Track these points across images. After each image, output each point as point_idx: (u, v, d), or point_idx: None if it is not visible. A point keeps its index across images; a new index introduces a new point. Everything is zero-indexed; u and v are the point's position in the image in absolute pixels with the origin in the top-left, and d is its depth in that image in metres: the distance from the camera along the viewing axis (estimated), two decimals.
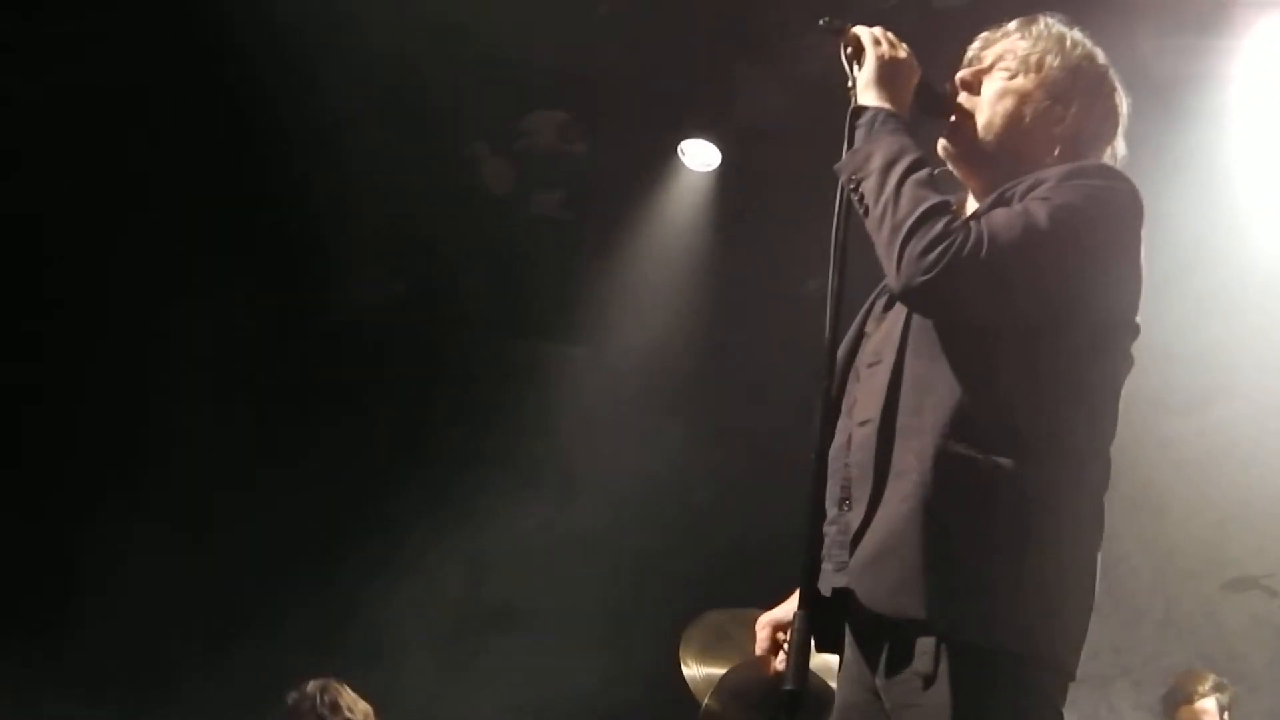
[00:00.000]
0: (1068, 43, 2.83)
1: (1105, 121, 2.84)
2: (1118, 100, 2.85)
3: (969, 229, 2.43)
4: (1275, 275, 6.26)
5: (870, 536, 2.45)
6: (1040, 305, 2.50)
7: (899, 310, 2.61)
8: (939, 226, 2.42)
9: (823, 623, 2.42)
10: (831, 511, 2.59)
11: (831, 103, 2.82)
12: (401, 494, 6.96)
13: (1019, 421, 2.46)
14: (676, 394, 7.34)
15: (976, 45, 2.90)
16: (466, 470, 7.05)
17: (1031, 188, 2.56)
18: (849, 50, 2.71)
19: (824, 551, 2.54)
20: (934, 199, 2.48)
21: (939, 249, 2.40)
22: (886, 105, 2.63)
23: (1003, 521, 2.40)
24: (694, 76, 6.54)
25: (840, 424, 2.66)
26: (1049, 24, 2.86)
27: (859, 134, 2.60)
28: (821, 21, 2.76)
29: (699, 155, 7.01)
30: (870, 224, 2.52)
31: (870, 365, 2.63)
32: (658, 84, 6.54)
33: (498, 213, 7.20)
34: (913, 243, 2.42)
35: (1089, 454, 2.56)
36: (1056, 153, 2.74)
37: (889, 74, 2.66)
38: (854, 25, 2.73)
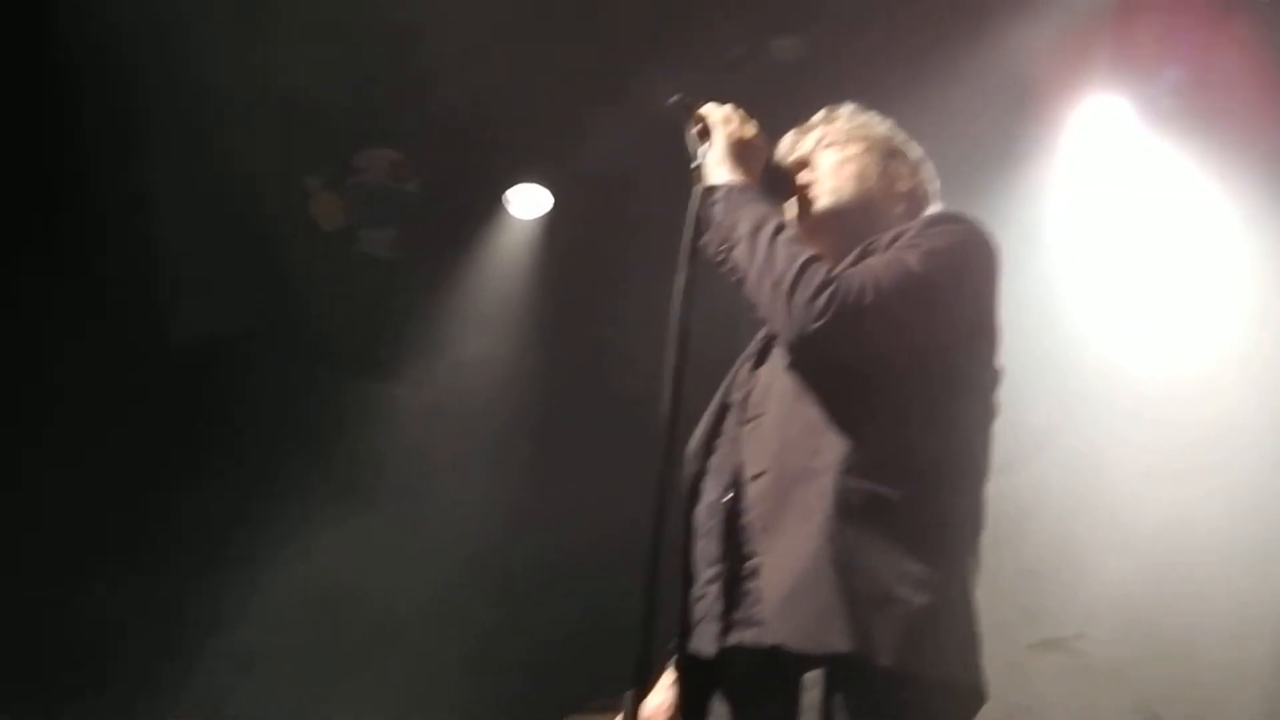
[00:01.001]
0: (875, 118, 3.04)
1: (929, 177, 3.04)
2: (929, 169, 3.05)
3: (850, 276, 2.51)
4: (1089, 337, 6.47)
5: (779, 582, 2.43)
6: (921, 342, 2.56)
7: (773, 365, 2.67)
8: (821, 275, 2.49)
9: (698, 688, 2.50)
10: (709, 570, 2.60)
11: (662, 153, 2.85)
12: (233, 527, 6.75)
13: (909, 454, 2.51)
14: (499, 440, 7.25)
15: (789, 139, 3.04)
16: (294, 505, 6.87)
17: (895, 238, 2.66)
18: (697, 127, 2.80)
19: (703, 612, 2.57)
20: (809, 251, 2.55)
21: (826, 295, 2.46)
22: (739, 180, 2.70)
23: (910, 550, 2.42)
24: (530, 120, 6.52)
25: (708, 484, 2.69)
26: (852, 108, 3.05)
27: (717, 209, 2.66)
28: (671, 99, 2.84)
29: (528, 201, 7.01)
30: (748, 286, 2.58)
31: (751, 420, 2.65)
32: (491, 127, 6.50)
33: (327, 249, 7.07)
34: (799, 292, 2.48)
35: (970, 487, 2.63)
36: (900, 211, 2.90)
37: (739, 152, 2.76)
38: (704, 103, 2.83)
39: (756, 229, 2.59)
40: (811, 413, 2.53)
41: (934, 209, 2.97)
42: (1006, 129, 6.18)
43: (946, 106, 5.45)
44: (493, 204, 7.09)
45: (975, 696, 2.49)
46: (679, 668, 2.62)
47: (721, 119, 2.79)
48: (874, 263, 2.58)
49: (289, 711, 6.47)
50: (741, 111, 2.82)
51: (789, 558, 2.42)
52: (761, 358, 2.76)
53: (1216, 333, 6.21)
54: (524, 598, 7.09)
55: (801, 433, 2.52)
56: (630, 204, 6.64)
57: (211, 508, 6.75)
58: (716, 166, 2.73)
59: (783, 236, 2.57)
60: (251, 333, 7.15)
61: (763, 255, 2.55)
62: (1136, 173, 6.28)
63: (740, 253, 2.59)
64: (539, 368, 7.28)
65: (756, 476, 2.54)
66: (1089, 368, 6.60)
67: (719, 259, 2.62)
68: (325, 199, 7.04)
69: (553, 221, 7.09)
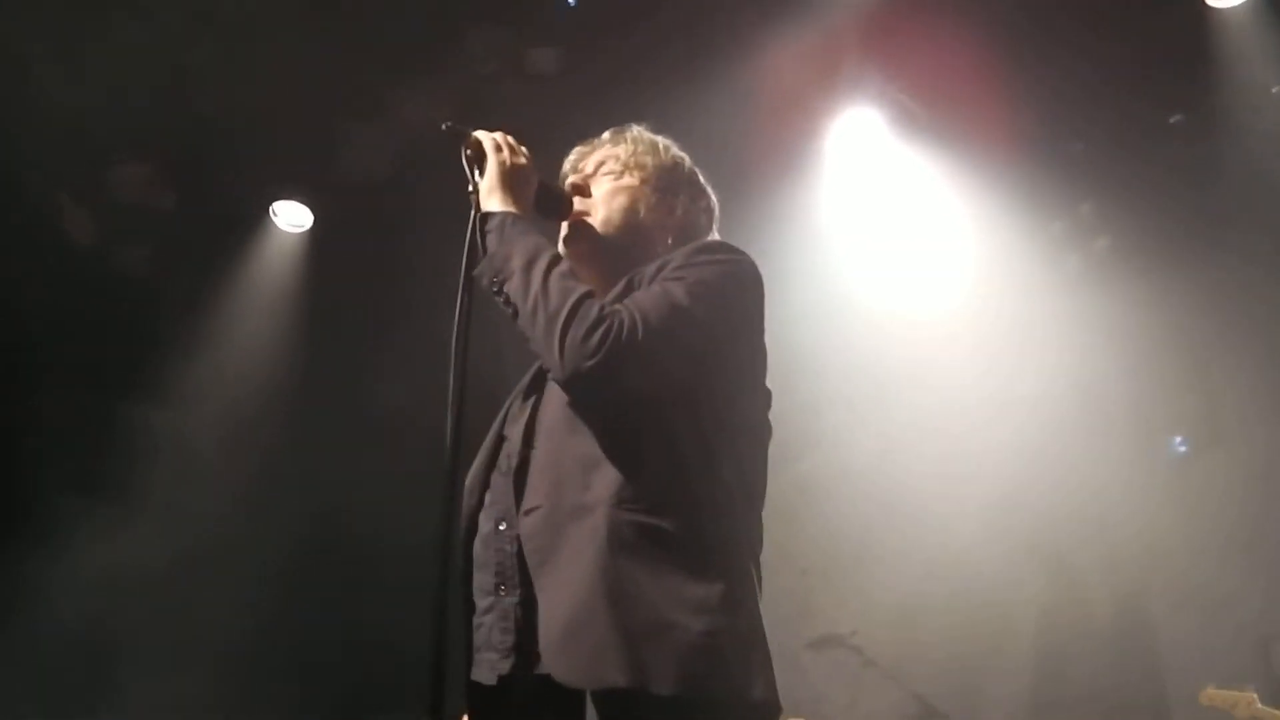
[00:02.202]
0: (660, 146, 3.05)
1: (706, 214, 3.05)
2: (711, 197, 3.07)
3: (621, 312, 2.50)
4: (856, 336, 6.69)
5: (557, 616, 2.42)
6: (692, 374, 2.58)
7: (545, 398, 2.65)
8: (594, 312, 2.49)
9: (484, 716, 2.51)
10: (485, 600, 2.60)
11: (427, 164, 2.85)
12: None
13: (682, 484, 2.52)
14: (265, 458, 7.11)
15: (573, 156, 3.07)
16: (56, 525, 6.60)
17: (660, 269, 2.67)
18: (469, 153, 2.79)
19: (481, 641, 2.57)
20: (582, 288, 2.55)
21: (599, 332, 2.46)
22: (512, 209, 2.70)
23: (688, 576, 2.43)
24: (290, 133, 6.40)
25: (484, 516, 2.67)
26: (639, 131, 3.06)
27: (490, 239, 2.66)
28: (444, 126, 2.81)
29: (290, 216, 6.89)
30: (522, 320, 2.57)
31: (524, 455, 2.62)
32: (252, 140, 6.36)
33: (79, 267, 6.80)
34: (573, 330, 2.48)
35: (746, 508, 2.64)
36: (670, 242, 2.92)
37: (511, 180, 2.75)
38: (476, 130, 2.82)
39: (530, 262, 2.59)
40: (583, 447, 2.53)
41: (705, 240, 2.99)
42: (772, 138, 6.37)
43: (706, 115, 5.58)
44: (258, 217, 6.92)
45: (769, 710, 2.50)
46: (466, 696, 2.61)
47: (492, 147, 2.78)
48: (642, 297, 2.59)
49: None
50: (511, 138, 2.82)
51: (564, 592, 2.42)
52: (533, 389, 2.75)
53: (964, 324, 6.54)
54: (299, 618, 6.95)
55: (573, 467, 2.52)
56: (394, 216, 6.58)
57: None
58: (488, 196, 2.73)
59: (556, 270, 2.57)
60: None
61: (536, 289, 2.55)
62: (886, 175, 6.67)
63: (514, 286, 2.58)
64: (305, 383, 7.15)
65: (530, 511, 2.53)
66: (859, 368, 6.82)
67: (493, 290, 2.61)
68: (77, 215, 6.77)
69: (317, 235, 6.97)
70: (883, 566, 6.67)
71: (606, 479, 2.48)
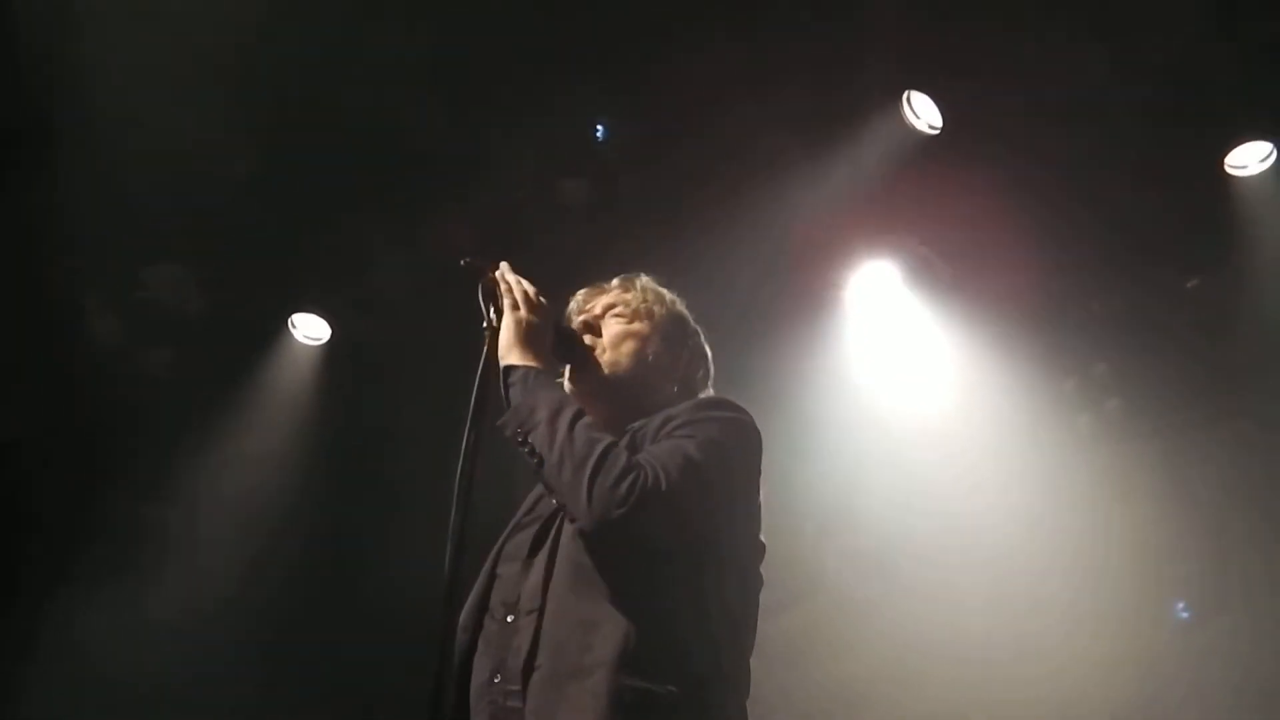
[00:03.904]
0: (666, 297, 3.15)
1: (704, 362, 3.16)
2: (709, 354, 3.18)
3: (645, 463, 2.55)
4: (860, 479, 6.70)
5: None
6: (705, 528, 2.63)
7: (548, 555, 2.67)
8: (621, 462, 2.53)
9: None
10: None
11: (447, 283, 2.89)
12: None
13: (682, 648, 2.54)
14: (275, 565, 7.11)
15: (580, 297, 3.15)
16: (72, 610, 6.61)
17: (664, 423, 2.73)
18: (487, 288, 2.83)
19: None
20: (607, 439, 2.59)
21: (627, 481, 2.50)
22: (533, 363, 2.74)
23: None
24: (316, 246, 6.49)
25: (479, 663, 2.68)
26: (647, 280, 3.17)
27: (514, 391, 2.70)
28: (463, 262, 2.87)
29: (309, 328, 6.96)
30: (548, 469, 2.60)
31: (528, 613, 2.63)
32: (278, 249, 6.45)
33: (104, 366, 6.86)
34: (600, 478, 2.51)
35: (737, 668, 2.67)
36: (674, 390, 3.01)
37: (530, 335, 2.79)
38: (498, 267, 2.87)
39: (555, 414, 2.63)
40: (585, 608, 2.55)
41: (704, 394, 3.09)
42: (792, 287, 6.49)
43: (727, 259, 5.68)
44: (277, 327, 7.00)
45: None
46: None
47: (510, 304, 2.81)
48: (658, 451, 2.63)
49: None
50: (530, 288, 2.85)
51: None
52: (536, 546, 2.75)
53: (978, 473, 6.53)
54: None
55: (575, 629, 2.53)
56: (410, 336, 6.64)
57: None
58: (509, 350, 2.76)
59: (581, 422, 2.62)
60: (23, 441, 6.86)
61: (562, 439, 2.58)
62: (904, 326, 6.70)
63: (539, 437, 2.62)
64: (317, 495, 7.17)
65: (530, 669, 2.54)
66: (866, 510, 6.82)
67: (517, 439, 2.65)
68: (104, 315, 6.84)
69: (333, 348, 7.04)
70: (885, 713, 6.61)
71: (606, 641, 2.49)
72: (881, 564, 6.93)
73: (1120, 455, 6.48)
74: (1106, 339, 6.63)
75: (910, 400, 6.73)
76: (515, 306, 2.81)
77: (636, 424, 2.79)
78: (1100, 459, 6.56)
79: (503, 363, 2.74)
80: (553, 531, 2.70)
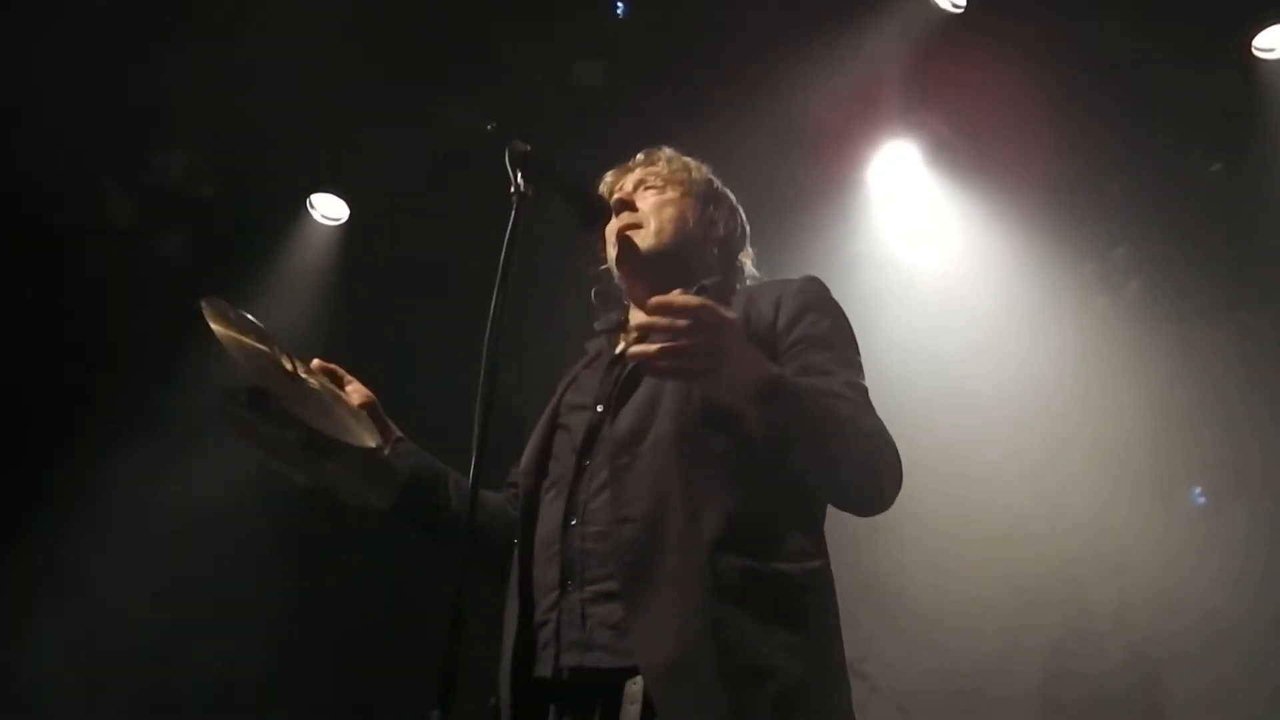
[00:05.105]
0: (693, 164, 3.15)
1: (741, 228, 3.17)
2: (742, 212, 3.19)
3: (883, 433, 2.61)
4: (884, 362, 6.68)
5: (658, 646, 2.40)
6: None
7: (645, 405, 2.64)
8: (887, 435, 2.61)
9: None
10: (550, 596, 2.58)
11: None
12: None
13: (787, 529, 2.55)
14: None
15: (610, 179, 3.15)
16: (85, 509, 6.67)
17: (801, 312, 2.76)
18: (514, 153, 2.58)
19: (549, 637, 2.55)
20: (875, 419, 2.64)
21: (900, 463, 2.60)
22: (773, 370, 2.52)
23: (785, 621, 2.44)
24: (331, 131, 6.44)
25: (548, 508, 2.67)
26: (670, 152, 3.16)
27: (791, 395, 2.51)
28: (489, 126, 2.87)
29: (328, 208, 6.94)
30: (824, 433, 2.51)
31: (621, 463, 2.59)
32: (292, 136, 6.40)
33: (117, 249, 6.86)
34: (895, 469, 2.58)
35: (825, 547, 2.66)
36: (715, 253, 3.05)
37: (742, 355, 2.44)
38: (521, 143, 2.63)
39: (825, 411, 2.54)
40: (695, 476, 2.53)
41: (747, 256, 3.14)
42: (810, 169, 6.43)
43: (744, 143, 5.62)
44: (294, 210, 6.98)
45: None
46: (511, 690, 2.57)
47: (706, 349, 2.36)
48: (858, 398, 2.61)
49: None
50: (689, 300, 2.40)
51: (667, 628, 2.41)
52: (624, 396, 2.70)
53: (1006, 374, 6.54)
54: (324, 581, 7.05)
55: (682, 493, 2.50)
56: (429, 215, 6.62)
57: None
58: (745, 379, 2.44)
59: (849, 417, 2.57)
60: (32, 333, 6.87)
61: (851, 435, 2.53)
62: (923, 208, 6.70)
63: (821, 405, 2.55)
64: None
65: (625, 520, 2.52)
66: (886, 395, 6.80)
67: (788, 436, 2.51)
68: (117, 198, 6.82)
69: (352, 228, 7.02)
70: (894, 596, 6.65)
71: (715, 516, 2.49)
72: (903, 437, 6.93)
73: (1139, 338, 6.48)
74: (1128, 222, 6.60)
75: (931, 280, 6.71)
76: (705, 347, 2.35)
77: (698, 284, 2.83)
78: (1118, 342, 6.56)
79: (751, 376, 2.44)
80: (644, 385, 2.68)
